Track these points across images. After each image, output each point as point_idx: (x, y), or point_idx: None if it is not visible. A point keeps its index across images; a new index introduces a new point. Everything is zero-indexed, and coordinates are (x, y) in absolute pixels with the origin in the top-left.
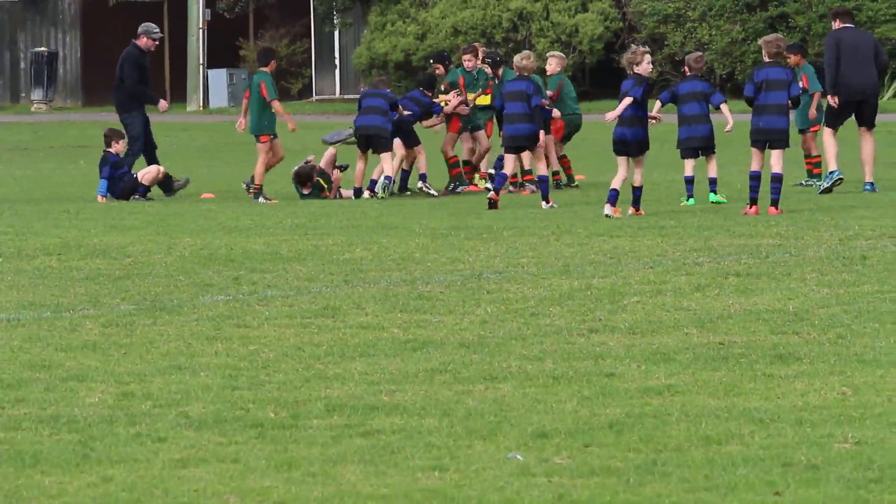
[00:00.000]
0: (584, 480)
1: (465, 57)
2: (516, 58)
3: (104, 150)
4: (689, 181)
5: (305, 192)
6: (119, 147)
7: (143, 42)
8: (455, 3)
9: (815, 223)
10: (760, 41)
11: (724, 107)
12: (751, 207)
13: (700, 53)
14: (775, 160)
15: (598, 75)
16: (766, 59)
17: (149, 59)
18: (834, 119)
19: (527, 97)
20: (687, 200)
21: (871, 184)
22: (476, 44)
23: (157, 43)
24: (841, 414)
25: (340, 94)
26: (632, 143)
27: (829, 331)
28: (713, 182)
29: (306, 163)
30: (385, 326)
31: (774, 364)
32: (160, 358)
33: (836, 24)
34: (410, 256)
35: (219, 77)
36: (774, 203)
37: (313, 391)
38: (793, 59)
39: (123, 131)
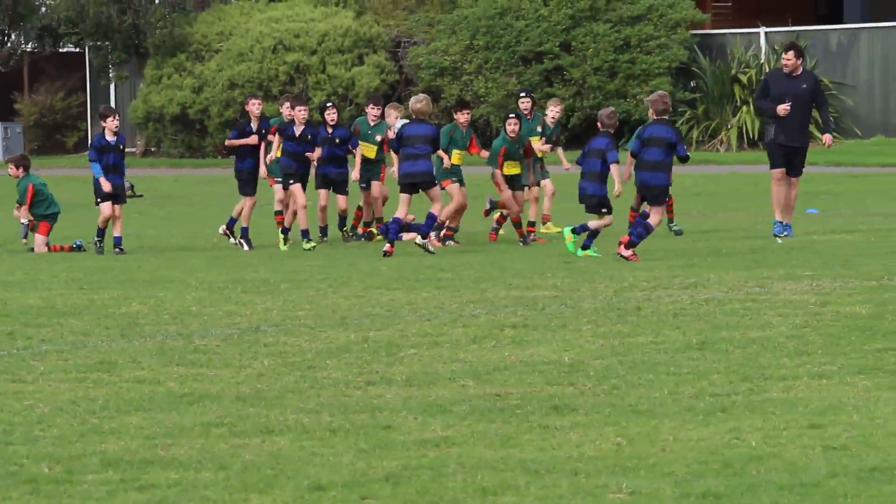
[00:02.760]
0: None
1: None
2: (412, 101)
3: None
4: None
5: None
6: (108, 125)
7: None
8: (231, 57)
9: (590, 274)
10: (646, 100)
11: (613, 167)
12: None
13: (612, 109)
14: (651, 209)
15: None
16: (653, 117)
17: None
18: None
19: (431, 140)
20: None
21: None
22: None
23: None
24: (615, 464)
25: None
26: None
27: (604, 382)
28: (589, 233)
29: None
30: (161, 380)
31: (550, 415)
32: None
33: (800, 65)
34: (187, 310)
35: None
36: (630, 245)
37: (88, 446)
38: None
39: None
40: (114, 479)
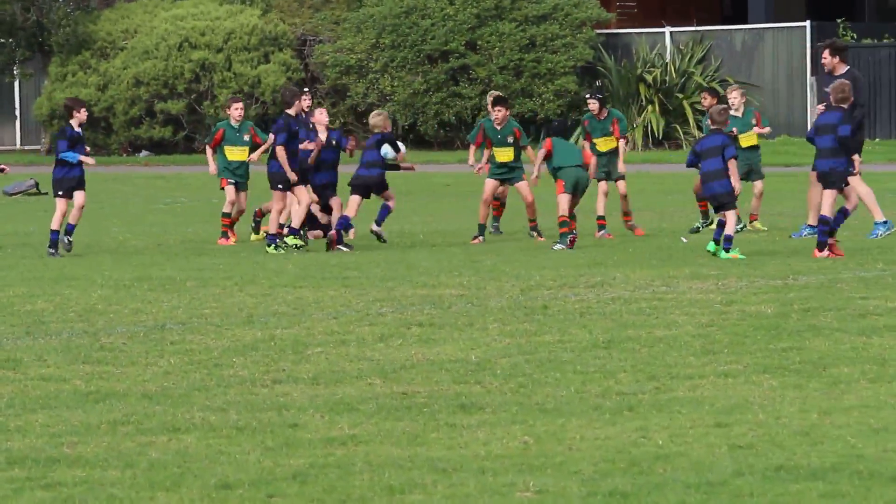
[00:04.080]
0: None
1: (236, 106)
2: (371, 115)
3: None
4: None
5: None
6: (80, 117)
7: None
8: (137, 55)
9: (497, 273)
10: (829, 88)
11: (731, 162)
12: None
13: (724, 106)
14: (823, 199)
15: None
16: (833, 104)
17: None
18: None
19: (375, 145)
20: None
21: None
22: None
23: None
24: (522, 463)
25: (21, 145)
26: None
27: (510, 380)
28: (728, 239)
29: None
30: (67, 378)
31: (457, 413)
32: None
33: (840, 62)
34: (93, 308)
35: None
36: (820, 246)
37: None
38: (709, 100)
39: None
40: (20, 477)
